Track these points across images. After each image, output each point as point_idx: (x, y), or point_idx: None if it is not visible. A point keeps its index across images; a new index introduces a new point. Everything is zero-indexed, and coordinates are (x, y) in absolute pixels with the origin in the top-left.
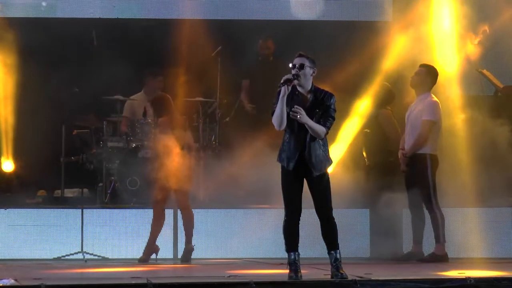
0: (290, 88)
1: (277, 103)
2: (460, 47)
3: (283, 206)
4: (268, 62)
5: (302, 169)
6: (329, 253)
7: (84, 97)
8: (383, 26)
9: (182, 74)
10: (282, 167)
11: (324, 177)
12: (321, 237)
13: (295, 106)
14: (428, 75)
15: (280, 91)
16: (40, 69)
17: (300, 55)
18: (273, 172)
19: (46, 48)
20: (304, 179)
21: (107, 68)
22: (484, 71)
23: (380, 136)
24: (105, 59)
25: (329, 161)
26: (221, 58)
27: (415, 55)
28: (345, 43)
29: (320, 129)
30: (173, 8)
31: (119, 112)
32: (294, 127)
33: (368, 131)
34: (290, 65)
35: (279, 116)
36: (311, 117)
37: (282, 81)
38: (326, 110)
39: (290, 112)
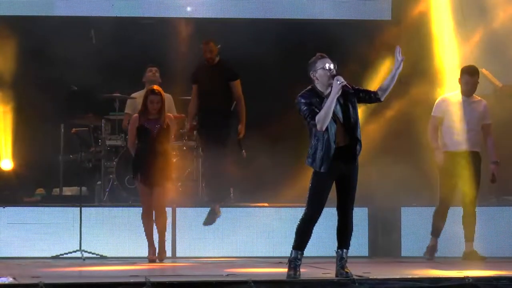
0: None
1: (307, 104)
2: (459, 45)
3: (307, 204)
4: (213, 65)
5: (337, 165)
6: (337, 250)
7: (83, 96)
8: (383, 24)
9: (179, 73)
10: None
11: (357, 173)
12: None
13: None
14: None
15: (305, 95)
16: (39, 67)
17: (324, 56)
18: (271, 170)
19: (44, 46)
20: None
21: (106, 66)
22: (483, 70)
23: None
24: (103, 57)
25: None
26: (221, 56)
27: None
28: (344, 43)
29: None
30: (173, 6)
31: (118, 110)
32: (332, 127)
33: None
34: (332, 69)
35: (328, 115)
36: (344, 107)
37: (339, 85)
38: (356, 88)
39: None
